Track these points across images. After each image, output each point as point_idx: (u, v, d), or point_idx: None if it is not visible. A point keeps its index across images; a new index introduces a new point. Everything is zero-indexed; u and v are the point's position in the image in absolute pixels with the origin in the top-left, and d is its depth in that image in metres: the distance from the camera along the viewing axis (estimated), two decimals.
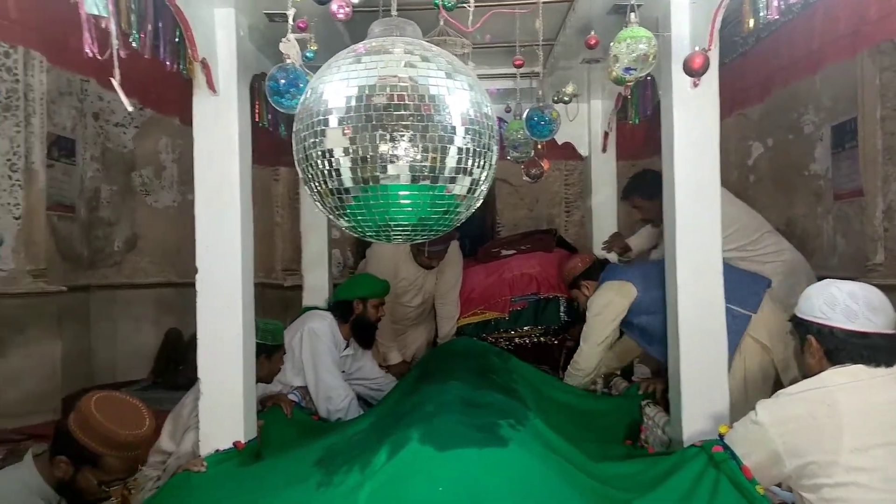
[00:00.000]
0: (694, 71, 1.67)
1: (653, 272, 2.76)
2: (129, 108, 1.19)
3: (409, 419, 1.86)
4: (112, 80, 1.10)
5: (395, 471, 1.58)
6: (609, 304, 2.87)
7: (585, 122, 3.47)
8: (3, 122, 4.30)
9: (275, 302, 5.78)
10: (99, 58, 1.11)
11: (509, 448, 1.65)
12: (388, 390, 3.11)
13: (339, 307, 3.24)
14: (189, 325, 5.57)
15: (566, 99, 2.38)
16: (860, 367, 1.63)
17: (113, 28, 1.13)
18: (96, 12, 1.10)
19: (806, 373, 1.77)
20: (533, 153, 2.82)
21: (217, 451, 2.14)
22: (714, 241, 2.17)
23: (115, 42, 1.13)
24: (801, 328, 1.76)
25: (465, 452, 1.60)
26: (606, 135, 3.41)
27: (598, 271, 3.07)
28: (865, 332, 1.63)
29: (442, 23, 1.93)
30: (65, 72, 4.79)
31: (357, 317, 3.21)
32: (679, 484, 1.68)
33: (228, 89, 2.16)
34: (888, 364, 1.62)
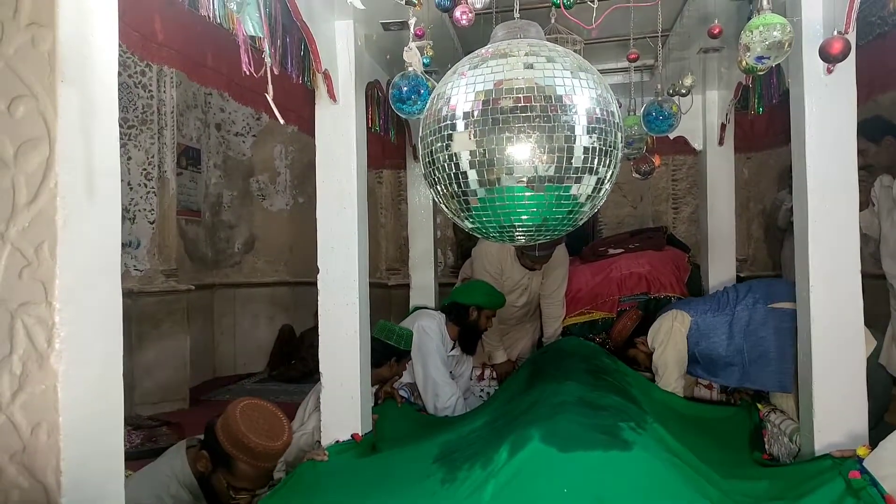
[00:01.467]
0: (832, 57, 1.56)
1: (701, 302, 2.85)
2: (282, 121, 1.27)
3: (528, 418, 1.86)
4: (266, 95, 1.19)
5: (518, 469, 1.58)
6: (669, 330, 2.82)
7: (700, 115, 3.32)
8: (139, 134, 4.71)
9: (379, 300, 5.95)
10: (255, 76, 1.20)
11: (633, 452, 1.61)
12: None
13: (455, 309, 3.30)
14: (300, 321, 5.91)
15: (683, 91, 2.29)
16: None
17: (267, 47, 1.22)
18: (253, 33, 1.19)
19: None
20: (645, 149, 2.74)
21: (337, 441, 2.25)
22: (852, 241, 2.01)
23: (268, 60, 1.21)
24: None
25: (588, 455, 1.58)
26: (724, 127, 3.25)
27: (648, 326, 3.00)
28: None
29: (553, 20, 1.92)
30: (191, 86, 5.19)
31: (469, 323, 3.26)
32: None
33: (347, 97, 2.25)
34: None
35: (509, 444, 1.68)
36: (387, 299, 6.00)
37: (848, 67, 1.94)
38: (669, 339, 2.81)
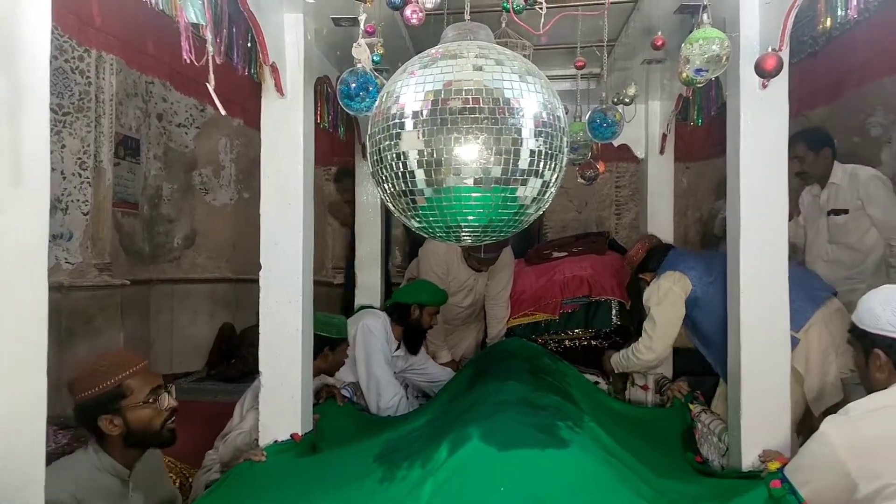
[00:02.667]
0: (767, 72, 1.64)
1: (716, 265, 2.68)
2: (223, 112, 1.24)
3: (469, 417, 1.88)
4: (208, 85, 1.15)
5: (457, 468, 1.59)
6: (668, 291, 2.79)
7: (643, 124, 3.42)
8: (75, 122, 4.50)
9: (325, 299, 5.88)
10: (196, 64, 1.16)
11: (570, 450, 1.64)
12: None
13: (397, 309, 3.30)
14: (242, 319, 5.77)
15: (627, 100, 2.35)
16: None
17: (209, 36, 1.19)
18: (195, 21, 1.16)
19: (872, 387, 1.69)
20: (589, 155, 2.80)
21: (275, 441, 2.21)
22: (780, 250, 2.11)
23: (210, 49, 1.18)
24: (865, 340, 1.68)
25: (526, 453, 1.61)
26: (665, 136, 3.36)
27: (658, 259, 2.98)
28: None
29: (504, 24, 1.94)
30: (131, 74, 5.00)
31: (412, 321, 3.26)
32: None
33: (295, 92, 2.22)
34: None
35: (449, 442, 1.69)
36: (333, 298, 5.93)
37: (781, 83, 2.04)
38: (666, 299, 2.78)
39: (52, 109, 4.41)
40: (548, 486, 1.52)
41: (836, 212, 3.17)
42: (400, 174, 1.28)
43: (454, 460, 1.61)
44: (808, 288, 2.58)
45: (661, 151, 3.41)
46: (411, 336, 3.33)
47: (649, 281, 2.98)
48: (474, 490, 1.52)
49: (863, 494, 1.52)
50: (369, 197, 3.70)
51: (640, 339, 2.92)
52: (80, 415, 1.77)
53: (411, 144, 1.24)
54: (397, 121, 1.25)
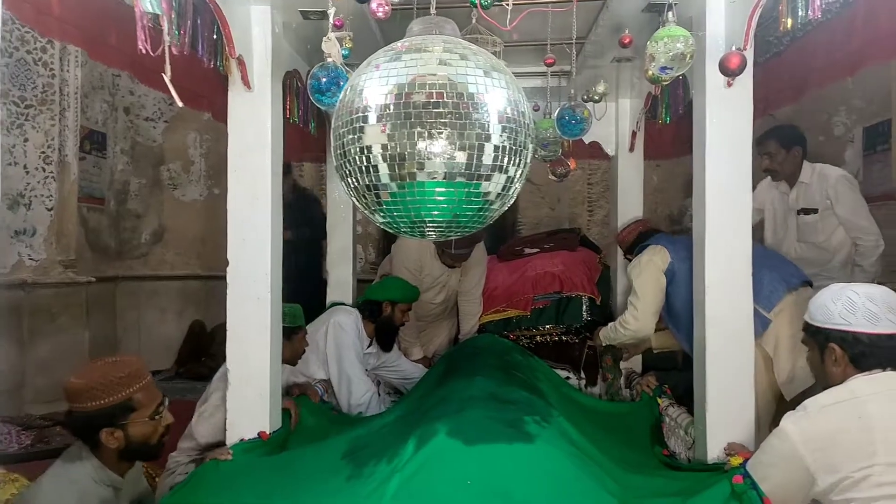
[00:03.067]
0: (730, 71, 1.66)
1: (684, 247, 2.71)
2: (180, 104, 1.21)
3: (437, 412, 1.87)
4: (164, 76, 1.13)
5: (423, 463, 1.59)
6: (648, 262, 2.83)
7: (613, 122, 3.44)
8: (38, 115, 4.39)
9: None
10: (152, 55, 1.14)
11: (536, 444, 1.65)
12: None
13: (368, 306, 3.28)
14: (212, 317, 5.70)
15: (596, 98, 2.37)
16: (890, 374, 1.59)
17: (165, 26, 1.16)
18: (151, 10, 1.13)
19: (828, 382, 1.71)
20: (560, 152, 2.82)
21: (242, 440, 2.18)
22: (745, 244, 2.14)
23: (167, 39, 1.15)
24: (819, 336, 1.71)
25: (493, 447, 1.61)
26: (634, 134, 3.39)
27: (646, 237, 3.03)
28: (891, 333, 1.60)
29: (475, 20, 1.94)
30: (97, 66, 4.89)
31: (384, 318, 3.25)
32: None
33: (263, 86, 2.18)
34: None
35: (416, 438, 1.68)
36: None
37: (746, 81, 2.07)
38: (646, 271, 2.82)
39: (14, 102, 4.32)
40: (514, 480, 1.52)
41: (806, 211, 3.23)
42: (364, 168, 1.27)
43: (421, 456, 1.60)
44: (783, 271, 2.63)
45: (631, 149, 3.44)
46: (384, 333, 3.32)
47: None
48: (441, 485, 1.52)
49: (821, 488, 1.55)
50: (340, 193, 3.67)
51: (626, 311, 2.94)
52: (80, 424, 1.71)
53: (375, 138, 1.23)
54: (361, 115, 1.24)
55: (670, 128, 3.57)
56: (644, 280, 2.82)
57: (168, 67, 1.15)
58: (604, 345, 3.17)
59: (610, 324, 3.08)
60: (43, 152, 4.44)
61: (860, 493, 1.50)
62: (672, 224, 5.52)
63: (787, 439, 1.60)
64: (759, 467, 1.67)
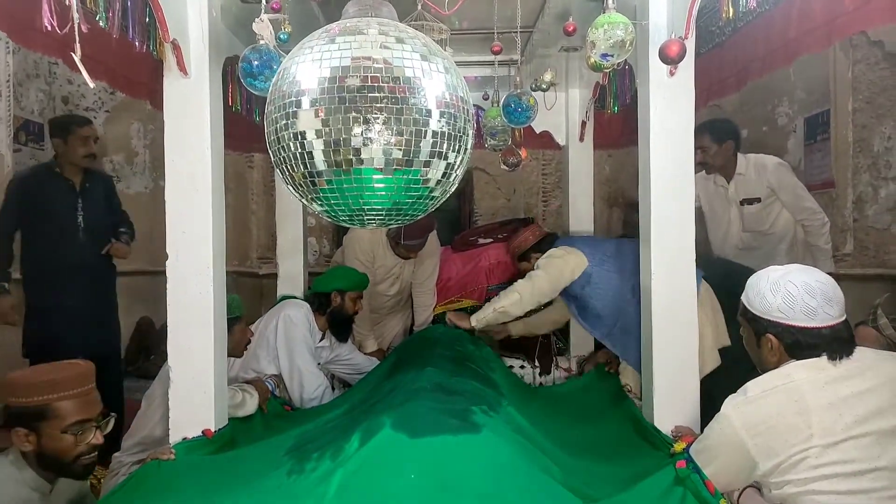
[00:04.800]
0: (670, 59, 1.67)
1: (605, 247, 2.86)
2: (91, 85, 1.15)
3: (383, 405, 1.85)
4: (73, 55, 1.06)
5: (367, 458, 1.56)
6: (562, 258, 2.84)
7: (563, 111, 3.46)
8: None
9: (249, 290, 5.71)
10: (59, 31, 1.07)
11: (482, 434, 1.64)
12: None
13: (317, 298, 3.22)
14: (161, 313, 5.50)
15: (544, 87, 2.36)
16: (824, 359, 1.62)
17: (74, 1, 1.09)
18: None
19: (764, 368, 1.74)
20: (511, 141, 2.81)
21: (185, 438, 2.11)
22: (688, 231, 2.17)
23: (75, 15, 1.09)
24: (756, 325, 1.73)
25: (437, 439, 1.59)
26: (584, 124, 3.41)
27: (548, 245, 3.03)
28: (825, 326, 1.62)
29: (420, 6, 1.90)
30: (32, 54, 4.66)
31: (334, 309, 3.20)
32: (645, 493, 1.66)
33: (200, 71, 2.10)
34: (848, 354, 1.62)
35: (360, 432, 1.65)
36: (257, 289, 5.76)
37: (687, 71, 2.09)
38: (555, 264, 2.82)
39: None
40: (458, 472, 1.51)
41: (749, 201, 3.31)
42: (298, 155, 1.23)
43: (365, 450, 1.58)
44: None
45: (581, 139, 3.46)
46: (337, 324, 3.26)
47: (532, 262, 3.00)
48: (385, 479, 1.50)
49: (762, 471, 1.59)
50: None
51: (505, 292, 2.93)
52: (5, 419, 1.66)
53: (308, 124, 1.20)
54: (293, 99, 1.20)
55: (619, 117, 3.62)
56: (547, 272, 2.82)
57: (77, 46, 1.09)
58: (476, 328, 3.05)
59: (487, 305, 3.02)
60: None
61: (797, 474, 1.54)
62: (623, 213, 5.60)
63: (728, 425, 1.62)
64: (703, 452, 1.69)
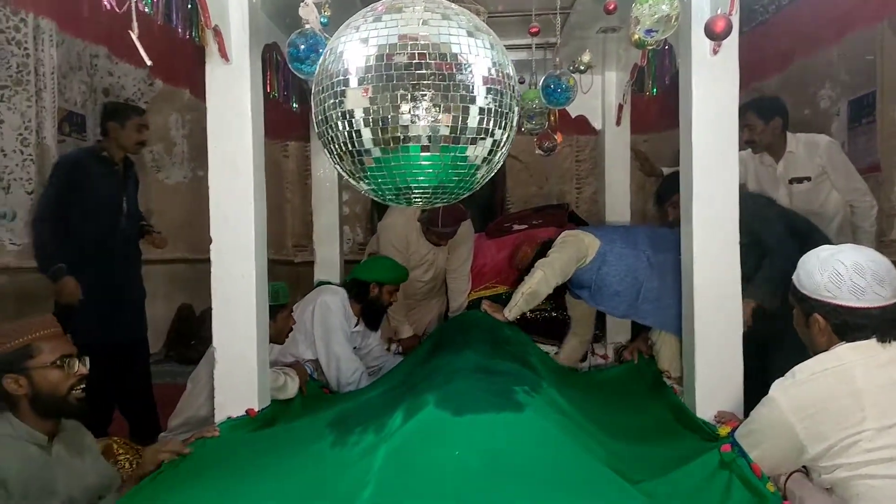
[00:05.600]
0: (716, 34, 1.63)
1: (611, 231, 2.97)
2: (148, 63, 1.18)
3: (425, 384, 1.86)
4: (130, 33, 1.09)
5: (411, 434, 1.58)
6: (574, 236, 2.89)
7: (600, 95, 3.42)
8: (14, 96, 4.29)
9: (285, 278, 5.73)
10: (117, 10, 1.10)
11: (525, 413, 1.64)
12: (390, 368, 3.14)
13: (356, 286, 3.25)
14: (201, 300, 5.65)
15: (582, 68, 2.34)
16: (874, 341, 1.59)
17: None
18: None
19: (815, 348, 1.70)
20: (547, 125, 2.80)
21: (230, 417, 2.16)
22: (732, 214, 2.14)
23: None
24: (805, 304, 1.70)
25: (481, 417, 1.60)
26: (621, 107, 3.37)
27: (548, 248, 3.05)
28: (874, 307, 1.58)
29: None
30: (74, 47, 4.78)
31: (371, 299, 3.22)
32: (689, 476, 1.65)
33: (241, 57, 2.13)
34: None
35: (403, 409, 1.67)
36: (293, 277, 5.84)
37: (731, 49, 2.05)
38: (569, 245, 2.86)
39: None
40: (502, 450, 1.51)
41: (799, 180, 3.22)
42: (347, 134, 1.24)
43: (409, 427, 1.59)
44: None
45: (618, 122, 3.42)
46: (371, 313, 3.30)
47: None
48: (428, 456, 1.51)
49: (811, 455, 1.56)
50: (326, 171, 3.63)
51: (529, 276, 2.95)
52: None
53: (356, 102, 1.20)
54: (341, 78, 1.21)
55: (657, 101, 3.56)
56: (565, 248, 2.87)
57: (135, 24, 1.11)
58: (510, 318, 3.04)
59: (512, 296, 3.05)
60: (20, 134, 4.35)
61: (849, 458, 1.51)
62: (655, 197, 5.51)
63: (776, 407, 1.59)
64: (749, 436, 1.67)
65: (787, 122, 3.24)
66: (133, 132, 3.27)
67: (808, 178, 3.18)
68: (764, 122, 3.16)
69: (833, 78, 4.18)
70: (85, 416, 1.82)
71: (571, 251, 2.85)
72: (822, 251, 1.70)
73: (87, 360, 1.80)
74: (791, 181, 3.24)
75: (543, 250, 3.03)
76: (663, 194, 3.01)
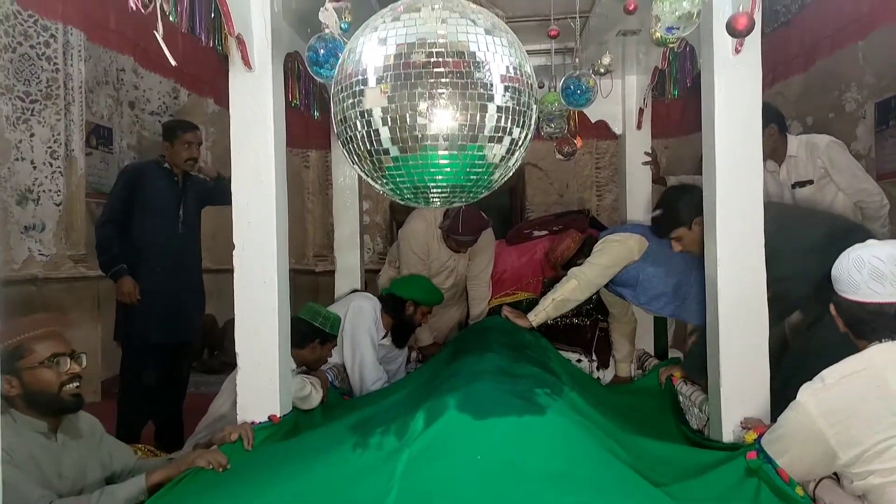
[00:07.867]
0: (738, 31, 1.61)
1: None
2: (174, 63, 1.20)
3: (446, 387, 1.85)
4: (155, 33, 1.11)
5: (434, 438, 1.57)
6: (620, 241, 2.80)
7: (619, 99, 3.40)
8: (44, 110, 4.40)
9: (306, 287, 5.83)
10: (143, 11, 1.12)
11: (547, 416, 1.63)
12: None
13: (392, 301, 3.26)
14: (223, 311, 5.70)
15: (602, 71, 2.33)
16: None
17: None
18: None
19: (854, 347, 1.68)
20: (566, 129, 2.79)
21: (252, 423, 2.17)
22: (756, 218, 2.09)
23: None
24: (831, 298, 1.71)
25: (503, 420, 1.59)
26: (641, 111, 3.34)
27: (590, 248, 3.00)
28: (871, 302, 1.58)
29: None
30: (101, 61, 4.89)
31: (404, 316, 3.25)
32: (715, 482, 1.62)
33: (263, 66, 2.16)
34: None
35: (425, 413, 1.67)
36: (314, 286, 5.88)
37: (753, 48, 2.02)
38: (613, 249, 2.79)
39: (18, 97, 4.33)
40: (525, 453, 1.50)
41: (801, 184, 3.14)
42: (365, 134, 1.25)
43: (431, 431, 1.59)
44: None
45: (639, 126, 3.40)
46: (401, 330, 3.31)
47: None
48: (451, 459, 1.50)
49: (843, 461, 1.51)
50: (346, 179, 3.66)
51: (564, 280, 2.90)
52: None
53: (375, 101, 1.21)
54: (360, 77, 1.22)
55: (678, 105, 3.54)
56: (606, 254, 2.79)
57: (160, 25, 1.13)
58: (535, 324, 2.98)
59: (547, 296, 2.99)
60: (49, 147, 4.45)
61: (882, 464, 1.47)
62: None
63: (804, 413, 1.55)
64: (776, 442, 1.62)
65: (783, 126, 3.15)
66: (182, 150, 3.38)
67: (811, 182, 3.09)
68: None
69: (859, 80, 4.11)
70: (80, 409, 1.84)
71: (613, 259, 2.77)
72: (855, 254, 1.67)
73: (83, 357, 1.82)
74: (794, 185, 3.16)
75: (585, 246, 2.99)
76: (664, 225, 2.63)
